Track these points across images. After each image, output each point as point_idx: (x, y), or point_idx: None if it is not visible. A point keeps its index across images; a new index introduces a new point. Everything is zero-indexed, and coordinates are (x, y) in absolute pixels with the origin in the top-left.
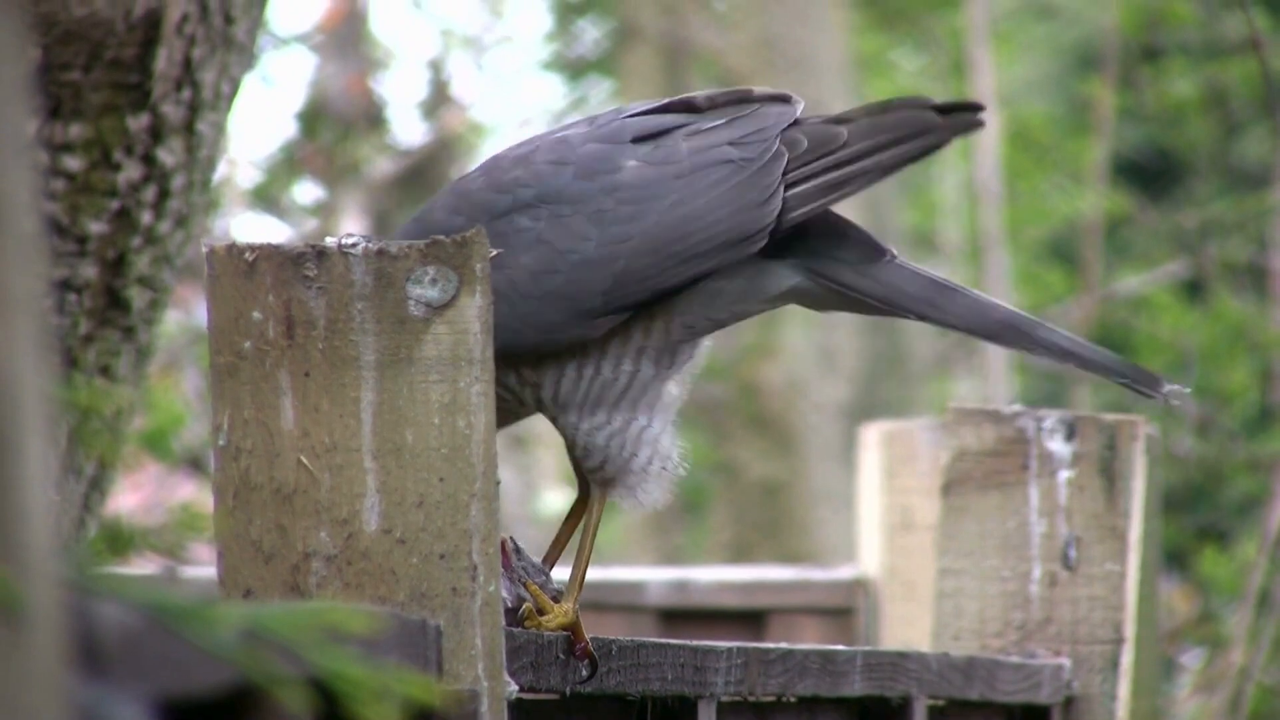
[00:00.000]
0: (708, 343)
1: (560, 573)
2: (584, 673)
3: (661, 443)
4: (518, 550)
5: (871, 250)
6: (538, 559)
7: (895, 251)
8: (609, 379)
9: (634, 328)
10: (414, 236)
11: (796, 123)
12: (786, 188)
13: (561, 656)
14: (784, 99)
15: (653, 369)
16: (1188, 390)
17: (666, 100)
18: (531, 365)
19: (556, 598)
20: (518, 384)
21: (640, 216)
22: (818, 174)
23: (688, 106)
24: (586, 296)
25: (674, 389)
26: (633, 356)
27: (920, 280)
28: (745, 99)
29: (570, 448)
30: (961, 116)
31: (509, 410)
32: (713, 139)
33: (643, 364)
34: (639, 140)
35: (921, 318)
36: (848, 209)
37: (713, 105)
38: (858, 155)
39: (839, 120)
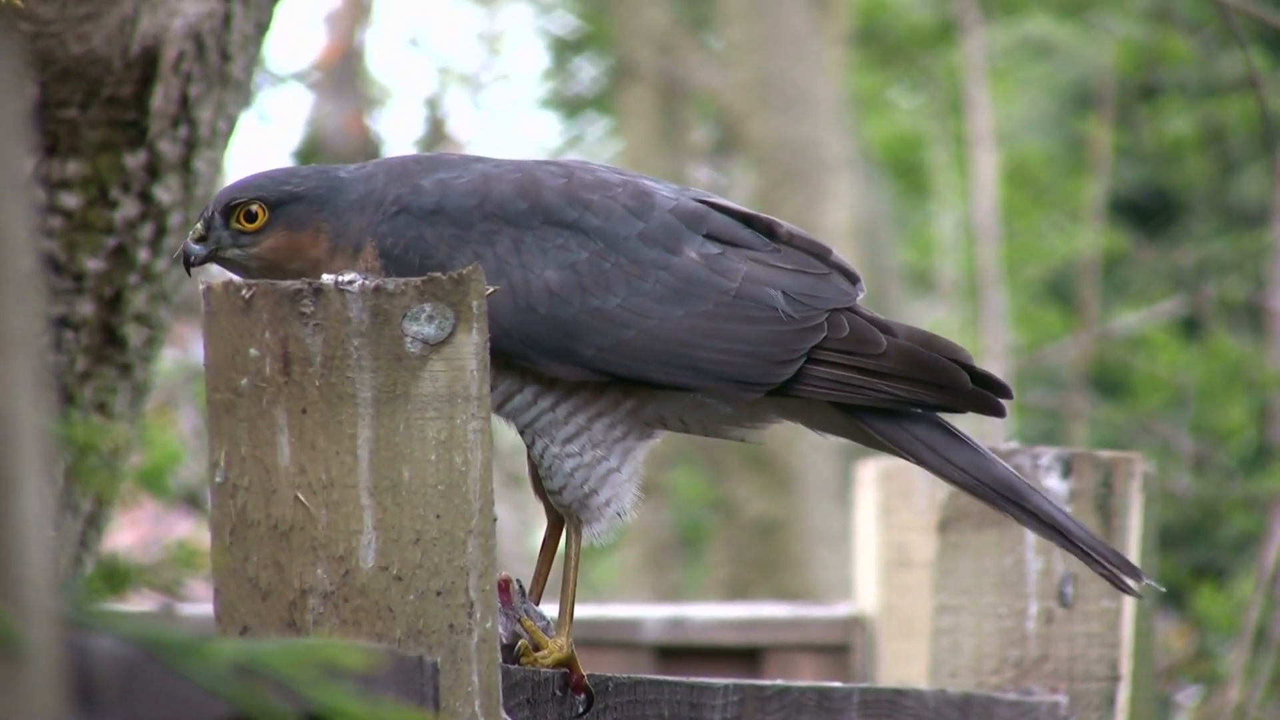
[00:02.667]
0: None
1: (547, 609)
2: (580, 707)
3: (623, 490)
4: (522, 592)
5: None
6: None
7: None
8: (557, 419)
9: (607, 393)
10: (478, 195)
11: (850, 308)
12: (809, 361)
13: (558, 693)
14: (853, 278)
15: (602, 433)
16: (1162, 589)
17: (755, 213)
18: (495, 368)
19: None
20: None
21: (670, 303)
22: (842, 366)
23: (769, 229)
24: (582, 343)
25: (653, 439)
26: (588, 414)
27: (931, 425)
28: (822, 255)
29: (536, 465)
30: (988, 393)
31: None
32: (772, 277)
33: (594, 425)
34: (710, 237)
35: (920, 460)
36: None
37: (791, 242)
38: (883, 372)
39: (885, 327)
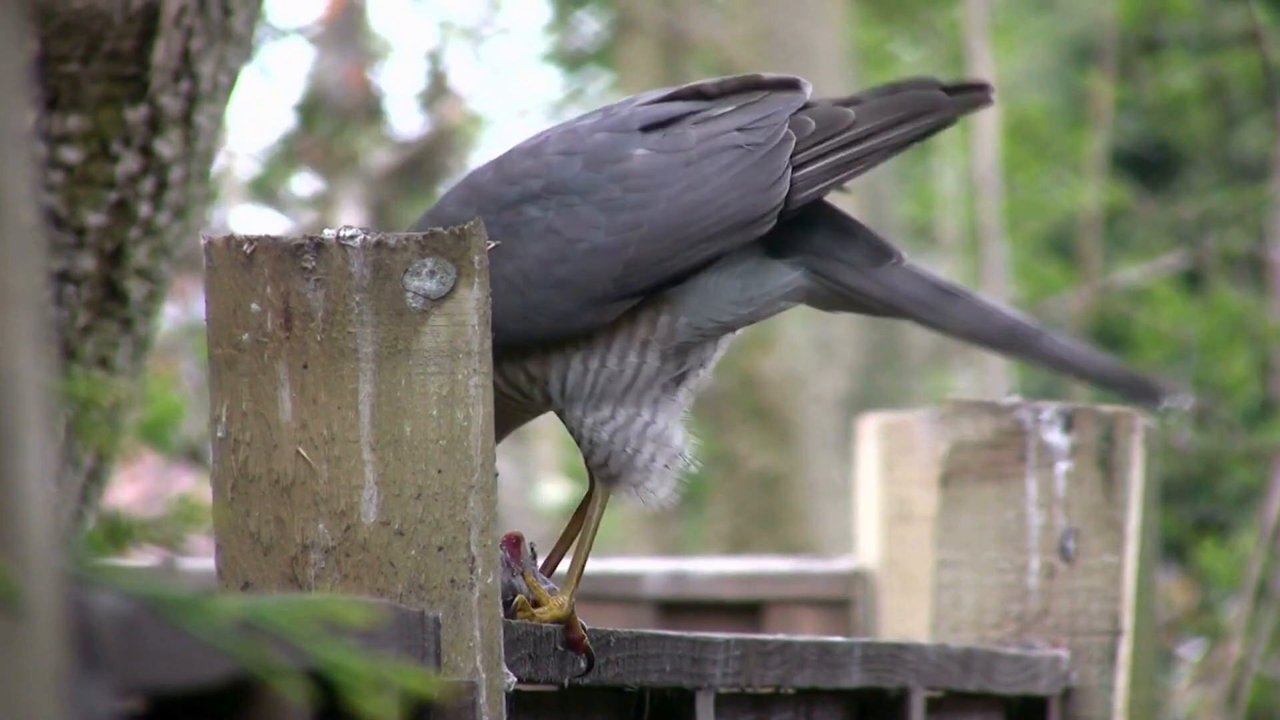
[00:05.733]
0: (718, 354)
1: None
2: (581, 665)
3: (670, 439)
4: (533, 554)
5: (878, 252)
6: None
7: (904, 254)
8: (614, 371)
9: (640, 320)
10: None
11: (806, 106)
12: (795, 169)
13: (560, 649)
14: (793, 84)
15: (658, 362)
16: (1189, 404)
17: (676, 89)
18: (539, 360)
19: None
20: (528, 383)
21: (650, 204)
22: (826, 154)
23: (697, 94)
24: (597, 283)
25: (684, 391)
26: (638, 349)
27: (923, 283)
28: (754, 86)
29: (577, 443)
30: (968, 95)
31: (522, 409)
32: (721, 125)
33: (648, 357)
34: (648, 129)
35: (921, 321)
36: (851, 205)
37: (722, 93)
38: (866, 135)
39: (847, 103)
